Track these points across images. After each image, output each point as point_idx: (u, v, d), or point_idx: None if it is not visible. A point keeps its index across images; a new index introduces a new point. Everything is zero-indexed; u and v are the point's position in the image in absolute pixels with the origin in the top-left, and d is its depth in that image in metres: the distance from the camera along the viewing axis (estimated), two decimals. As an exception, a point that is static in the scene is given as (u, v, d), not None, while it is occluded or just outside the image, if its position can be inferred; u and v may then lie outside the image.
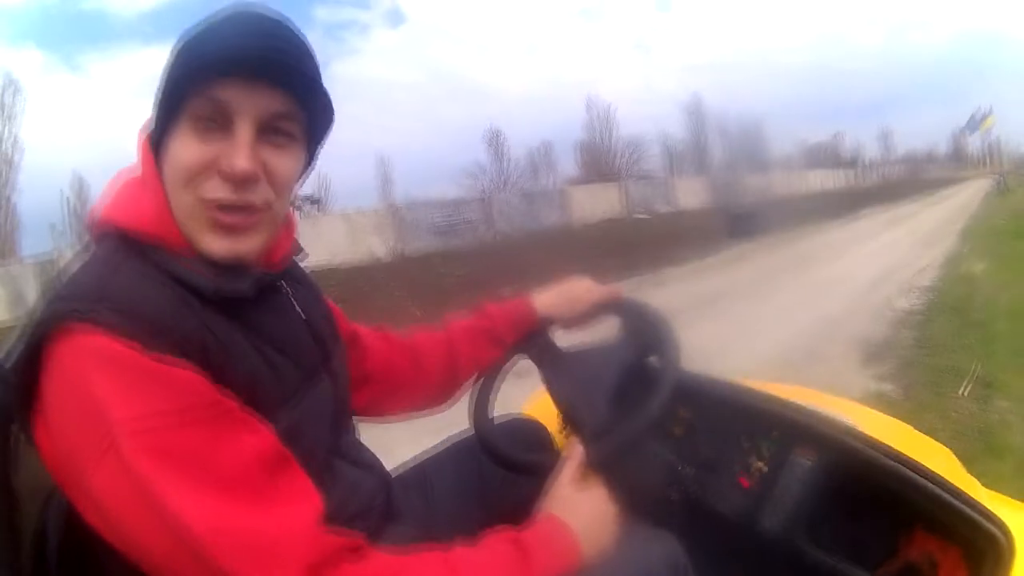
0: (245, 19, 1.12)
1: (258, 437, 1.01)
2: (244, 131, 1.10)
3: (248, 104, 1.10)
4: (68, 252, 28.27)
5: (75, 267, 1.10)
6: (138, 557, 0.93)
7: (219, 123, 1.10)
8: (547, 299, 1.84)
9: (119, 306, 0.97)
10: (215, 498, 0.90)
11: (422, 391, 1.76)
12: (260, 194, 1.13)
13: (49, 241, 32.99)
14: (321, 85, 1.17)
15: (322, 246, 25.60)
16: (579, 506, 1.27)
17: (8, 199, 45.32)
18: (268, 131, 1.13)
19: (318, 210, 31.80)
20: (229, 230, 1.12)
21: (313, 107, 1.20)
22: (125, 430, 0.89)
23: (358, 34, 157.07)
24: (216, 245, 1.12)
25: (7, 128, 44.80)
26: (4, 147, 44.73)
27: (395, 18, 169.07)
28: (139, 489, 0.88)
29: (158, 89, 1.13)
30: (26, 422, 1.00)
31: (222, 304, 1.10)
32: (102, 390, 0.91)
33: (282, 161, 1.16)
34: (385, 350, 1.71)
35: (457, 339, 1.77)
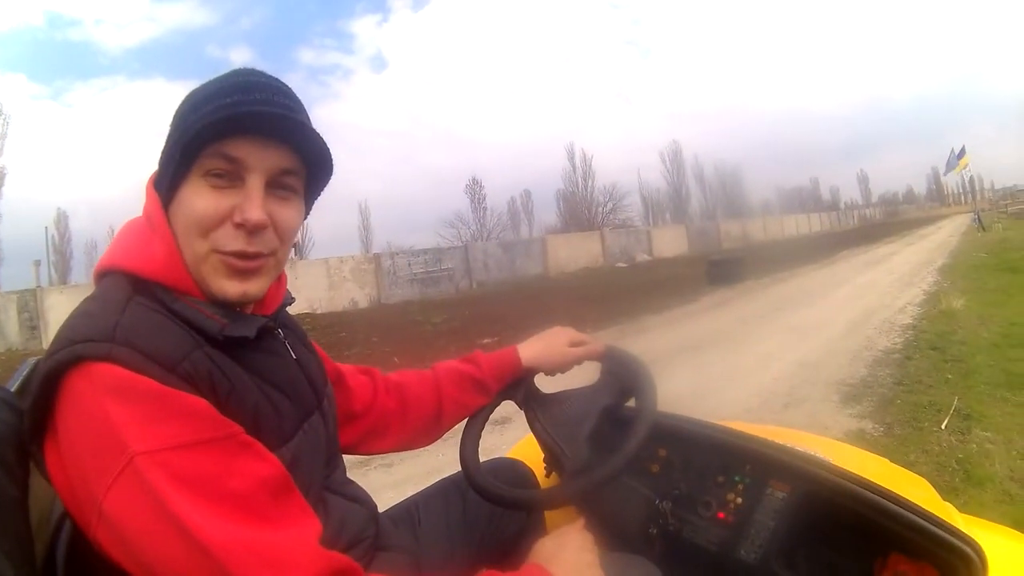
0: (253, 81, 1.21)
1: (264, 462, 1.07)
2: (256, 185, 1.18)
3: (260, 160, 1.18)
4: (48, 287, 28.19)
5: (82, 306, 1.13)
6: (152, 574, 0.95)
7: (231, 178, 1.17)
8: (532, 350, 1.88)
9: (131, 342, 1.02)
10: (228, 516, 0.96)
11: (407, 429, 1.78)
12: (268, 243, 1.21)
13: (30, 273, 33.07)
14: (323, 143, 1.24)
15: (301, 293, 25.72)
16: (561, 556, 1.31)
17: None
18: (275, 185, 1.21)
19: (295, 254, 31.82)
20: (241, 274, 1.20)
21: (313, 163, 1.28)
22: (142, 454, 0.94)
23: (341, 79, 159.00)
24: (229, 288, 1.20)
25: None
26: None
27: (378, 64, 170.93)
28: (156, 509, 0.93)
29: (167, 144, 1.20)
30: (38, 454, 1.05)
31: (225, 345, 1.16)
32: (118, 417, 0.96)
33: (287, 212, 1.24)
34: (370, 389, 1.75)
35: (444, 382, 1.82)
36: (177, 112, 1.22)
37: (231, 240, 1.18)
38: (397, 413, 1.77)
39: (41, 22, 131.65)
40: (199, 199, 1.16)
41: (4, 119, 46.66)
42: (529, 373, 1.89)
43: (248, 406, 1.16)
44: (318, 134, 1.22)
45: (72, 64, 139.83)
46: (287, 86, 1.27)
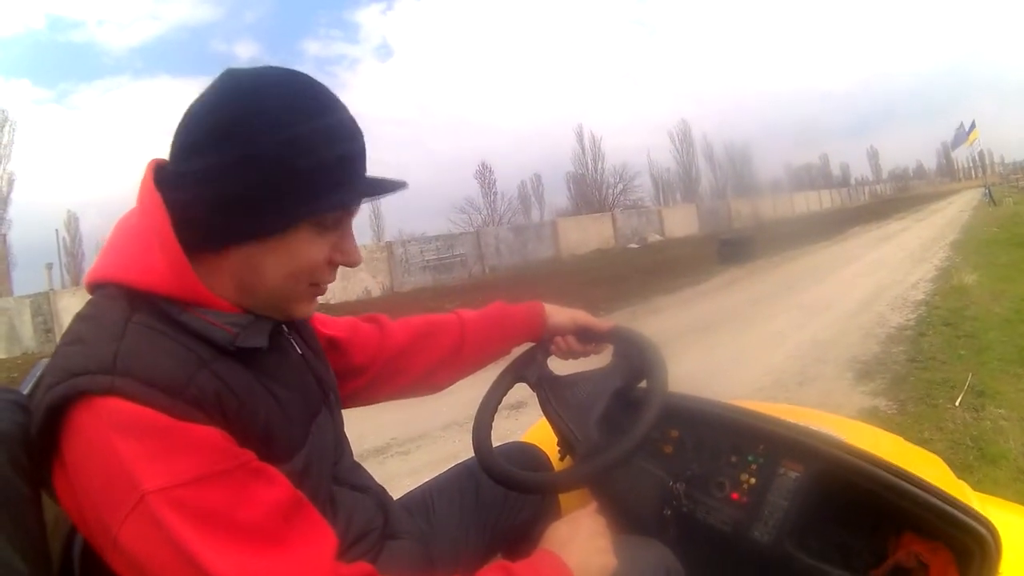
0: (345, 122, 1.19)
1: (275, 487, 1.05)
2: (352, 229, 1.22)
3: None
4: (61, 289, 28.10)
5: (77, 328, 1.09)
6: None
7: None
8: (555, 309, 1.89)
9: (133, 372, 0.99)
10: (240, 549, 0.96)
11: (421, 371, 1.78)
12: None
13: (42, 277, 33.20)
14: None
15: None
16: (574, 541, 1.30)
17: (4, 236, 45.60)
18: None
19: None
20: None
21: None
22: (153, 492, 0.93)
23: (347, 68, 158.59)
24: (310, 310, 1.29)
25: (0, 164, 45.39)
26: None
27: (384, 53, 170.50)
28: (169, 546, 0.92)
29: (255, 176, 1.09)
30: (47, 478, 1.04)
31: (234, 353, 1.14)
32: (126, 453, 0.94)
33: None
34: (376, 337, 1.72)
35: (468, 324, 1.82)
36: (262, 130, 1.08)
37: (330, 276, 1.24)
38: (411, 349, 1.76)
39: (42, 25, 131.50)
40: (311, 245, 1.16)
41: (10, 125, 47.04)
42: (549, 330, 1.89)
43: (259, 419, 1.14)
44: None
45: (76, 66, 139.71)
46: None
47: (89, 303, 1.14)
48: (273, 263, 1.15)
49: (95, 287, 1.15)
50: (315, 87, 1.16)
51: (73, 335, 1.08)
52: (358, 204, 1.22)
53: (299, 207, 1.12)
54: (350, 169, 1.17)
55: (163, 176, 1.15)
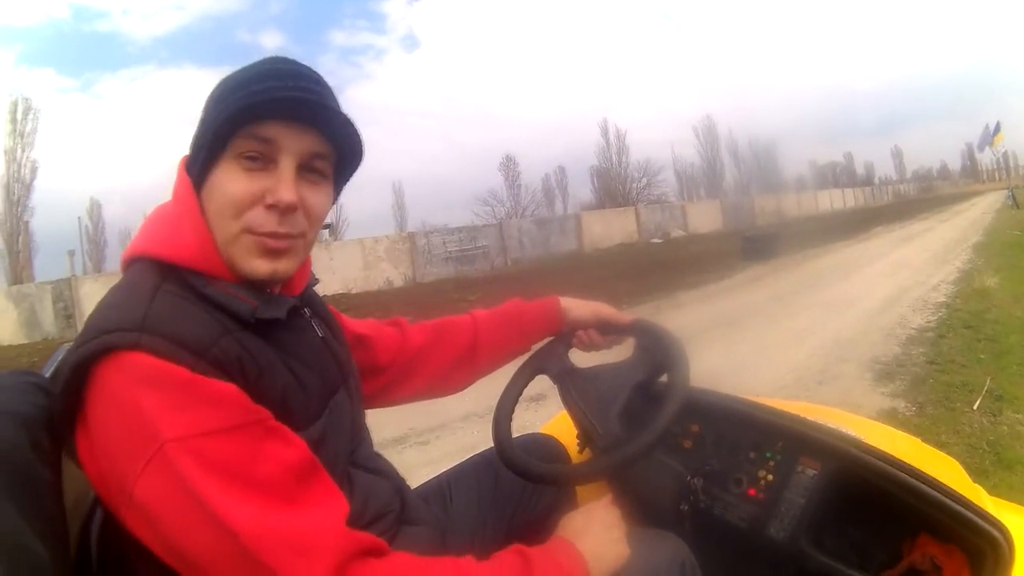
0: (285, 68, 1.23)
1: (291, 447, 1.09)
2: (288, 167, 1.21)
3: (291, 143, 1.21)
4: (82, 276, 28.10)
5: (111, 296, 1.16)
6: (182, 558, 1.00)
7: (263, 160, 1.20)
8: (573, 303, 1.90)
9: (161, 330, 1.05)
10: (255, 501, 0.98)
11: (438, 367, 1.81)
12: (298, 224, 1.24)
13: (64, 264, 33.11)
14: (354, 127, 1.27)
15: (336, 273, 25.63)
16: (588, 531, 1.33)
17: (26, 223, 45.87)
18: (305, 169, 1.24)
19: (330, 235, 31.73)
20: (272, 253, 1.22)
21: (343, 147, 1.31)
22: (172, 440, 0.96)
23: (373, 59, 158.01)
24: (260, 267, 1.22)
25: (24, 152, 45.62)
26: (22, 171, 45.55)
27: (410, 44, 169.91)
28: (185, 495, 0.96)
29: (200, 128, 1.22)
30: (69, 441, 1.08)
31: (255, 327, 1.18)
32: (149, 404, 0.98)
33: (317, 196, 1.27)
34: (397, 338, 1.77)
35: (482, 324, 1.84)
36: (210, 97, 1.24)
37: (263, 221, 1.20)
38: (428, 350, 1.79)
39: (67, 15, 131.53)
40: (232, 181, 1.19)
41: (33, 114, 47.41)
42: (567, 326, 1.89)
43: (277, 388, 1.18)
44: (350, 121, 1.25)
45: (100, 56, 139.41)
46: (318, 74, 1.28)
47: (124, 276, 1.22)
48: (210, 207, 1.21)
49: (130, 262, 1.23)
50: (277, 59, 1.27)
51: (105, 301, 1.15)
52: (265, 128, 1.20)
53: (206, 138, 1.20)
54: (247, 93, 1.19)
55: None
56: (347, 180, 1.42)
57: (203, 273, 1.19)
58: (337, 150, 1.30)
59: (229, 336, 1.13)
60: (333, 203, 1.38)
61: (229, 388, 1.05)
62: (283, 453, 1.06)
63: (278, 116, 1.19)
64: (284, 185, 1.20)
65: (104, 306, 1.13)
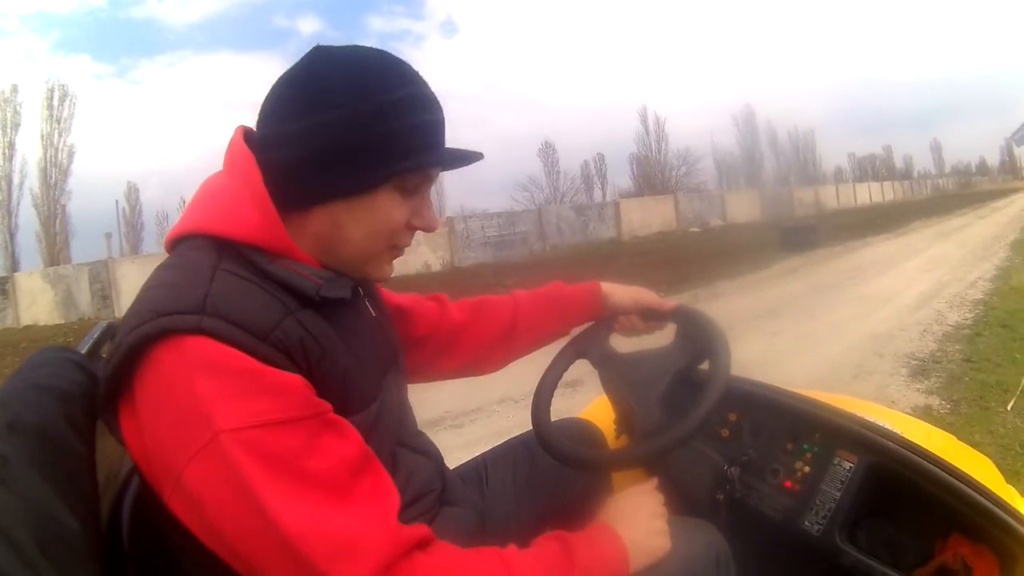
0: (432, 98, 1.26)
1: (346, 441, 1.08)
2: (430, 197, 1.29)
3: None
4: (119, 258, 28.11)
5: (164, 275, 1.13)
6: (225, 546, 1.00)
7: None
8: (614, 288, 1.90)
9: (222, 313, 1.03)
10: (306, 497, 0.97)
11: (475, 345, 1.82)
12: None
13: (101, 246, 33.54)
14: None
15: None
16: (632, 518, 1.33)
17: (63, 207, 46.33)
18: None
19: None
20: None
21: None
22: (227, 431, 0.95)
23: (412, 45, 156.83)
24: (388, 272, 1.33)
25: (61, 137, 46.15)
26: (59, 155, 46.02)
27: (449, 29, 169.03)
28: (236, 485, 0.95)
29: (350, 136, 1.17)
30: (113, 419, 1.07)
31: (317, 305, 1.18)
32: (206, 391, 0.97)
33: None
34: (436, 312, 1.77)
35: (522, 304, 1.84)
36: (350, 100, 1.16)
37: (407, 240, 1.30)
38: (466, 326, 1.80)
39: (103, 2, 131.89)
40: (396, 208, 1.23)
41: (70, 100, 47.88)
42: (608, 310, 1.88)
43: (339, 369, 1.18)
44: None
45: (137, 42, 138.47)
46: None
47: (174, 254, 1.18)
48: (356, 222, 1.21)
49: (179, 241, 1.19)
50: (402, 63, 1.25)
51: (158, 280, 1.12)
52: (438, 169, 1.27)
53: (384, 167, 1.18)
54: (432, 136, 1.23)
55: (251, 140, 1.23)
56: None
57: (266, 250, 1.17)
58: None
59: (291, 317, 1.11)
60: None
61: (291, 379, 1.04)
62: (338, 448, 1.05)
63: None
64: (431, 213, 1.32)
65: (159, 285, 1.11)
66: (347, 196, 1.20)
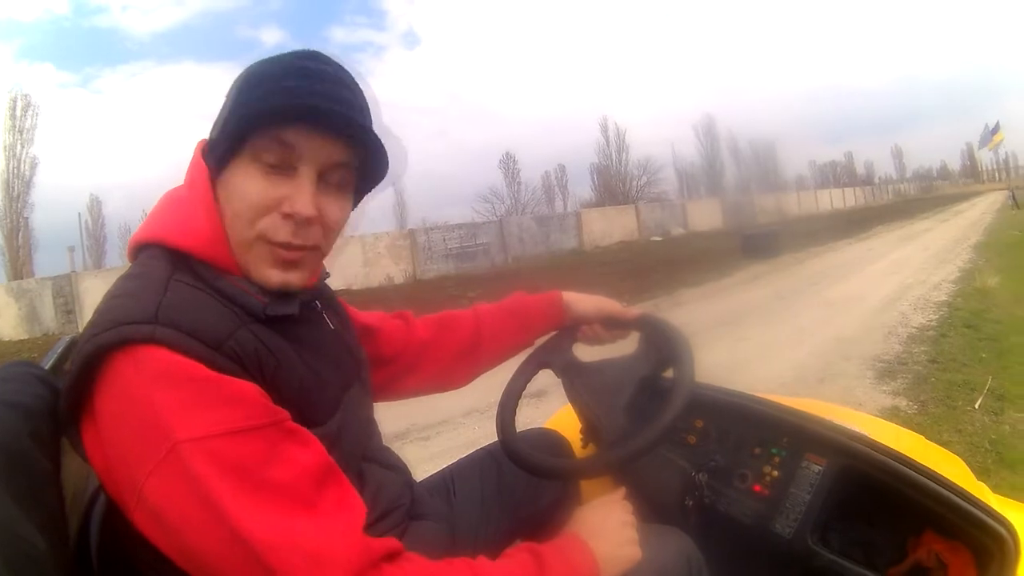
0: (313, 67, 1.18)
1: (309, 449, 1.05)
2: (308, 177, 1.17)
3: (313, 151, 1.16)
4: (83, 272, 28.18)
5: (123, 285, 1.12)
6: (190, 559, 0.97)
7: (283, 166, 1.15)
8: (577, 297, 1.89)
9: (176, 322, 1.01)
10: (270, 507, 0.95)
11: (441, 361, 1.79)
12: (313, 236, 1.20)
13: (64, 260, 33.31)
14: (378, 139, 1.21)
15: (337, 270, 25.83)
16: (602, 528, 1.31)
17: (26, 219, 45.96)
18: (326, 178, 1.20)
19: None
20: (285, 264, 1.19)
21: (366, 158, 1.26)
22: (186, 441, 0.93)
23: (373, 56, 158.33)
24: (272, 277, 1.18)
25: (23, 148, 45.72)
26: (22, 167, 45.61)
27: (411, 40, 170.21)
28: (198, 497, 0.92)
29: (222, 118, 1.19)
30: (75, 433, 1.05)
31: (269, 320, 1.16)
32: (163, 402, 0.95)
33: (335, 208, 1.23)
34: (403, 331, 1.74)
35: (484, 317, 1.83)
36: (235, 85, 1.20)
37: (279, 230, 1.16)
38: (431, 344, 1.77)
39: (66, 10, 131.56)
40: (251, 184, 1.15)
41: (32, 110, 47.47)
42: (570, 319, 1.87)
43: (295, 381, 1.16)
44: (376, 135, 1.21)
45: (100, 51, 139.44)
46: (351, 76, 1.24)
47: (135, 264, 1.17)
48: (227, 202, 1.17)
49: (139, 249, 1.19)
50: (318, 56, 1.22)
51: (118, 290, 1.11)
52: (291, 135, 1.15)
53: (236, 132, 1.15)
54: (289, 99, 1.14)
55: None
56: (368, 191, 1.37)
57: (214, 265, 1.16)
58: (361, 157, 1.25)
59: (244, 328, 1.10)
60: (350, 212, 1.32)
61: (247, 387, 1.03)
62: (301, 456, 1.03)
63: (302, 121, 1.15)
64: (303, 196, 1.16)
65: (116, 295, 1.09)
66: (218, 173, 1.19)
